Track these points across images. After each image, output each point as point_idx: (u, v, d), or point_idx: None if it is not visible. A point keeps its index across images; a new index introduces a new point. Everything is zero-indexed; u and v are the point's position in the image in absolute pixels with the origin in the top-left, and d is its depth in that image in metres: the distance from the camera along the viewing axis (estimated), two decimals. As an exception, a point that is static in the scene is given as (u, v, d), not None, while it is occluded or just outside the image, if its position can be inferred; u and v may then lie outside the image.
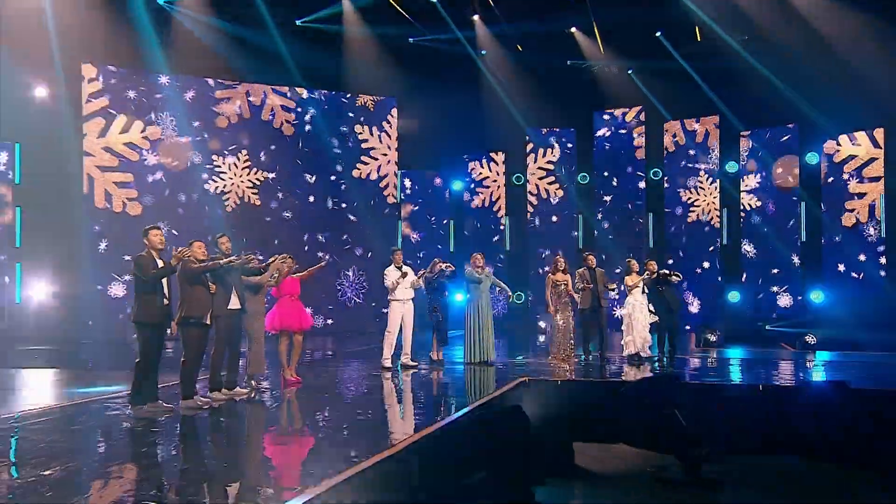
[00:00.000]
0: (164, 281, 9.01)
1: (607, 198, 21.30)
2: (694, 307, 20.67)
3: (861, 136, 19.00)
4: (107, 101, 18.17)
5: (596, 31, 20.51)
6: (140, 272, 8.79)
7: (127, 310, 15.53)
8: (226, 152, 19.69)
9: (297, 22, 19.58)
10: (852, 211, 19.24)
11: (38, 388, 12.55)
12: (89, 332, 17.87)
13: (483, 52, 21.65)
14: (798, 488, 9.12)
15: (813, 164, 19.71)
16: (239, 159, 19.79)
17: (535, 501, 8.90)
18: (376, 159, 21.08)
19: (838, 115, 19.17)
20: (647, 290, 14.00)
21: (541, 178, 21.84)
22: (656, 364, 13.72)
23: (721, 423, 10.75)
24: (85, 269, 17.85)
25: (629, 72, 21.29)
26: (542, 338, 18.49)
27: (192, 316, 9.24)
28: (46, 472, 6.54)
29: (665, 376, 12.23)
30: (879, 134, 18.72)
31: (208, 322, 9.46)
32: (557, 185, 21.79)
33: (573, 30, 20.71)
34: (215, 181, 19.58)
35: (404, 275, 12.88)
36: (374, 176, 21.13)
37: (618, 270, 18.30)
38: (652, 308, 13.92)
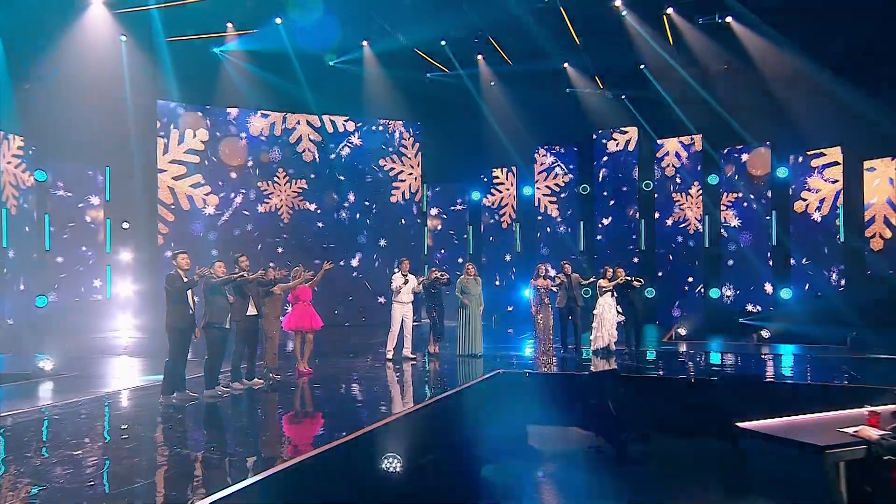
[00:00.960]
0: (190, 294, 9.45)
1: (606, 206, 21.05)
2: (678, 304, 20.47)
3: (821, 153, 18.90)
4: (175, 131, 18.75)
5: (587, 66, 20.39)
6: (169, 286, 9.26)
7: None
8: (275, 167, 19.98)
9: (331, 63, 19.77)
10: (821, 212, 19.11)
11: (107, 374, 12.91)
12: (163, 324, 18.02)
13: (493, 83, 21.46)
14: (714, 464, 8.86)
15: (782, 178, 19.57)
16: (280, 176, 20.06)
17: (484, 477, 9.21)
18: (402, 174, 21.11)
19: (803, 136, 19.00)
20: (615, 294, 14.07)
21: (546, 193, 21.59)
22: (624, 356, 13.78)
23: (647, 409, 10.82)
24: (159, 269, 18.04)
25: (623, 97, 20.97)
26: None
27: (213, 321, 9.65)
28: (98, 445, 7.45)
29: (607, 372, 12.19)
30: (836, 151, 18.68)
31: (227, 326, 9.89)
32: (563, 195, 21.57)
33: (566, 65, 20.62)
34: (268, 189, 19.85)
35: (407, 281, 13.08)
36: (403, 188, 21.14)
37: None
38: (620, 309, 14.08)
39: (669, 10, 17.84)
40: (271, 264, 11.88)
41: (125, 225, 19.34)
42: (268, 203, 20.02)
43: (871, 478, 5.84)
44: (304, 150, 20.42)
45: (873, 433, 5.97)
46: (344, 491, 7.39)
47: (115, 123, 18.61)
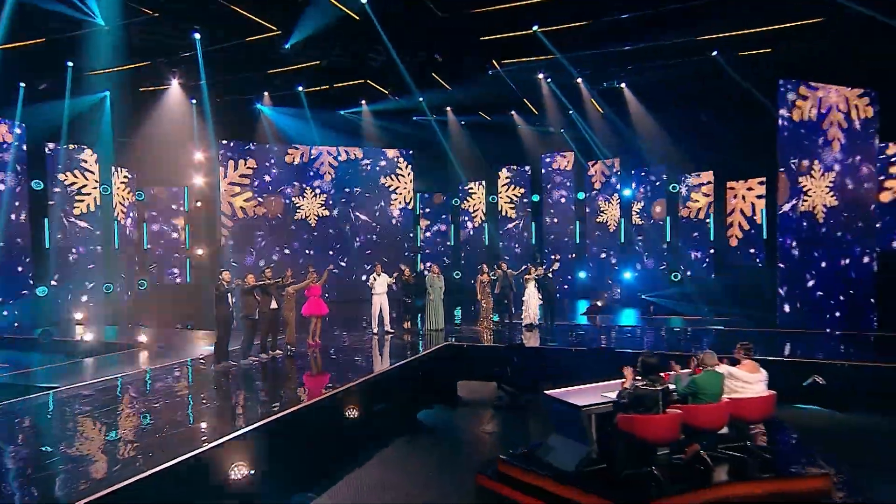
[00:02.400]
0: (229, 296, 10.44)
1: (550, 210, 21.48)
2: (601, 283, 20.88)
3: (702, 174, 19.60)
4: (231, 162, 19.49)
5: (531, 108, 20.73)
6: (216, 291, 10.33)
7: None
8: (304, 186, 20.49)
9: (341, 112, 20.28)
10: (695, 215, 19.79)
11: (181, 346, 13.56)
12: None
13: (462, 122, 21.57)
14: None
15: (674, 192, 20.09)
16: (308, 192, 20.57)
17: (419, 419, 10.32)
18: (399, 188, 21.46)
19: (689, 162, 19.69)
20: (537, 284, 14.46)
21: (506, 201, 22.06)
22: (543, 328, 14.20)
23: (534, 370, 11.47)
24: (221, 262, 18.74)
25: (562, 131, 21.40)
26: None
27: (246, 314, 10.66)
28: (165, 401, 8.31)
29: (515, 344, 12.72)
30: (710, 174, 19.41)
31: (256, 317, 10.74)
32: (518, 202, 22.01)
33: (512, 113, 21.14)
34: (299, 202, 20.43)
35: (376, 279, 13.57)
36: (399, 198, 21.53)
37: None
38: (540, 295, 14.48)
39: (579, 80, 18.45)
40: (288, 271, 12.30)
41: (198, 203, 20.09)
42: (301, 211, 20.51)
43: (609, 421, 6.69)
44: (325, 173, 20.73)
45: (628, 382, 6.67)
46: (336, 425, 8.66)
47: (188, 157, 19.62)
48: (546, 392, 7.43)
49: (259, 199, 19.97)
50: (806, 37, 14.69)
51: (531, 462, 7.03)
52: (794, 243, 14.02)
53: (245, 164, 19.85)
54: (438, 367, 11.72)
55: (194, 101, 18.47)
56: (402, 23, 14.05)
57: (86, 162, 17.72)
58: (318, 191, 20.66)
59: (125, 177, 18.82)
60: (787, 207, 14.00)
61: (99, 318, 17.05)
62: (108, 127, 17.74)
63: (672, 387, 6.76)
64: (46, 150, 16.91)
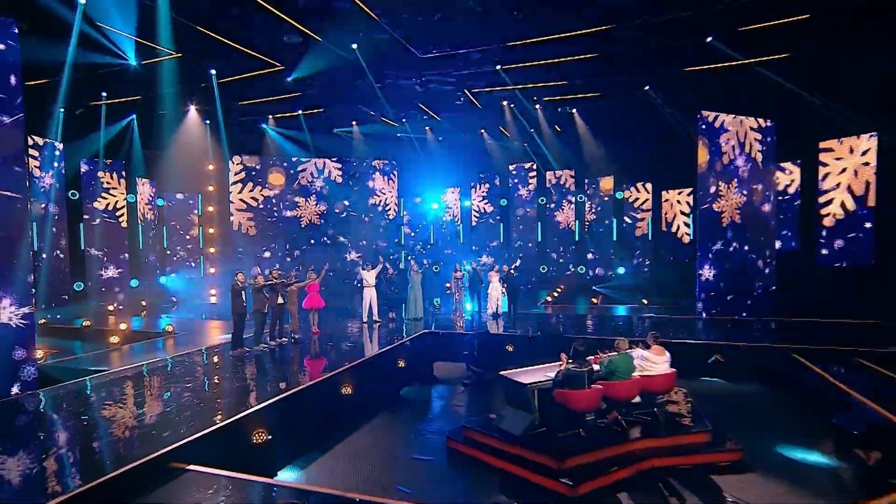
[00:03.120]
0: (243, 293, 10.53)
1: (517, 213, 21.46)
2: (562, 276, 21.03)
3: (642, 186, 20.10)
4: (242, 175, 19.47)
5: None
6: (231, 290, 10.45)
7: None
8: (302, 193, 20.32)
9: (334, 130, 20.32)
10: (640, 222, 20.42)
11: (202, 333, 13.51)
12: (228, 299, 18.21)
13: (441, 138, 21.63)
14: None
15: (619, 199, 20.60)
16: (309, 200, 20.44)
17: (402, 395, 10.47)
18: (384, 192, 21.29)
19: (631, 173, 20.31)
20: (502, 280, 14.48)
21: (480, 202, 22.01)
22: (505, 318, 14.16)
23: (495, 353, 11.77)
24: (230, 260, 19.24)
25: (525, 144, 21.57)
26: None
27: (256, 309, 10.71)
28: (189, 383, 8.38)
29: (481, 332, 12.77)
30: (649, 186, 19.99)
31: (265, 311, 10.81)
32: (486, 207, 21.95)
33: (482, 131, 21.32)
34: (296, 210, 20.23)
35: (364, 271, 13.56)
36: (387, 201, 21.37)
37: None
38: (503, 289, 14.45)
39: (537, 106, 18.59)
40: (293, 272, 12.48)
41: (210, 208, 20.06)
42: (298, 209, 20.31)
43: (548, 395, 7.04)
44: (321, 187, 20.55)
45: (563, 365, 7.01)
46: (335, 399, 8.76)
47: (202, 169, 19.77)
48: (500, 373, 7.71)
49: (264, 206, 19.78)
50: (720, 77, 15.08)
51: (489, 428, 7.34)
52: (711, 245, 14.16)
53: (253, 178, 19.69)
54: (418, 351, 11.71)
55: (208, 122, 18.53)
56: (390, 61, 14.13)
57: (114, 174, 17.77)
58: (313, 198, 20.55)
59: (150, 185, 18.97)
60: (705, 213, 14.17)
61: (128, 309, 17.13)
62: (133, 144, 17.86)
63: (596, 367, 7.17)
64: (82, 166, 16.99)
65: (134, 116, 17.39)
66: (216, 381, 9.03)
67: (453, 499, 6.15)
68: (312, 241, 20.42)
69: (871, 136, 14.88)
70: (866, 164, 15.00)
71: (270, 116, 18.93)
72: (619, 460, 6.60)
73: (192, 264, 20.10)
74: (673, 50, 13.89)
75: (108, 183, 17.51)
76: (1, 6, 8.10)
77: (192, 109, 17.91)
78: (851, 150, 15.27)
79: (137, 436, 6.19)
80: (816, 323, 13.13)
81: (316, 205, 20.64)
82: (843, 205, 15.53)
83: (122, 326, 13.40)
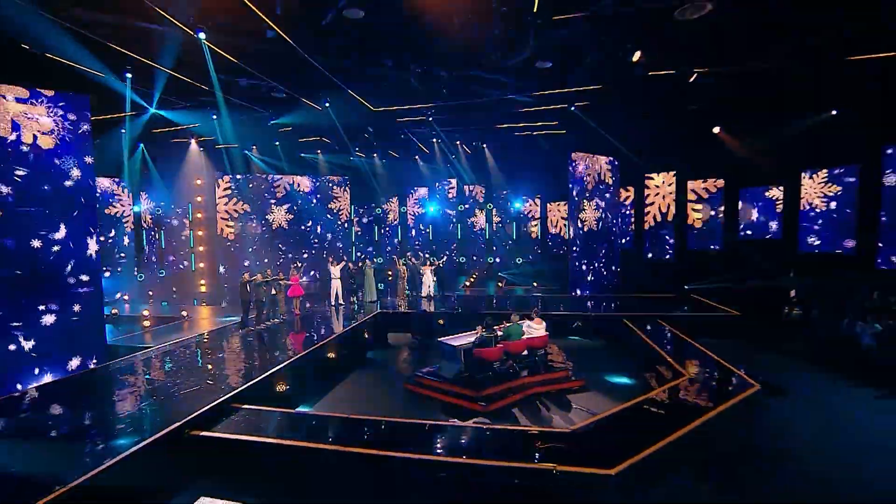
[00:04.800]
0: (248, 286, 11.23)
1: (442, 217, 21.59)
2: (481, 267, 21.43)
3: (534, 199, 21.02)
4: (229, 189, 18.74)
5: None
6: (240, 284, 11.23)
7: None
8: (277, 205, 19.54)
9: (302, 154, 20.31)
10: (533, 227, 21.48)
11: (206, 317, 13.49)
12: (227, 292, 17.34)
13: (383, 160, 21.76)
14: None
15: (518, 208, 21.50)
16: (281, 207, 19.71)
17: (368, 357, 10.90)
18: (340, 199, 20.71)
19: (526, 188, 21.26)
20: (433, 271, 15.07)
21: (412, 213, 21.91)
22: (436, 299, 14.51)
23: (430, 325, 12.30)
24: (217, 254, 18.65)
25: (448, 165, 21.52)
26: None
27: (257, 298, 11.61)
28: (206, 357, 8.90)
29: (419, 311, 13.05)
30: (539, 199, 21.04)
31: (264, 300, 11.77)
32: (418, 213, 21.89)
33: (416, 157, 21.56)
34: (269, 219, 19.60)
35: (330, 265, 13.87)
36: (342, 208, 20.89)
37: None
38: (434, 278, 15.02)
39: (458, 142, 19.49)
40: (280, 273, 12.97)
41: (199, 215, 19.55)
42: (272, 216, 19.57)
43: (470, 352, 7.90)
44: (286, 192, 19.79)
45: (478, 333, 7.79)
46: (321, 362, 9.14)
47: (192, 181, 19.13)
48: (439, 339, 8.69)
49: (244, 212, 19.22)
50: (583, 126, 16.28)
51: (433, 374, 8.30)
52: (579, 242, 15.20)
53: (235, 191, 19.28)
54: (377, 325, 12.24)
55: (201, 149, 18.44)
56: (351, 111, 14.71)
57: (123, 190, 17.45)
58: (283, 207, 19.87)
59: (146, 198, 18.62)
60: (577, 222, 15.21)
61: (137, 298, 16.94)
62: (138, 165, 17.64)
63: (500, 333, 8.29)
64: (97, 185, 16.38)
65: (142, 145, 17.27)
66: (243, 350, 9.36)
67: (413, 416, 6.68)
68: (282, 247, 19.86)
69: (673, 173, 17.68)
70: (671, 190, 17.78)
71: (254, 146, 19.05)
72: (514, 390, 7.78)
73: (186, 263, 19.76)
74: (550, 114, 15.46)
75: (118, 196, 17.31)
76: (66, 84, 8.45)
77: (193, 142, 17.92)
78: (662, 182, 17.97)
79: (205, 389, 7.01)
80: (640, 298, 14.33)
81: (286, 213, 20.18)
82: (654, 217, 18.17)
83: (145, 313, 13.38)
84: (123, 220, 17.62)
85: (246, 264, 17.20)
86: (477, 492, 4.96)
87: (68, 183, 8.26)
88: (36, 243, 7.85)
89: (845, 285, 11.97)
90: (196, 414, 6.07)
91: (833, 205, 14.63)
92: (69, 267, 8.25)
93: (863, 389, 7.78)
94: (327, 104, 14.03)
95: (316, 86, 12.24)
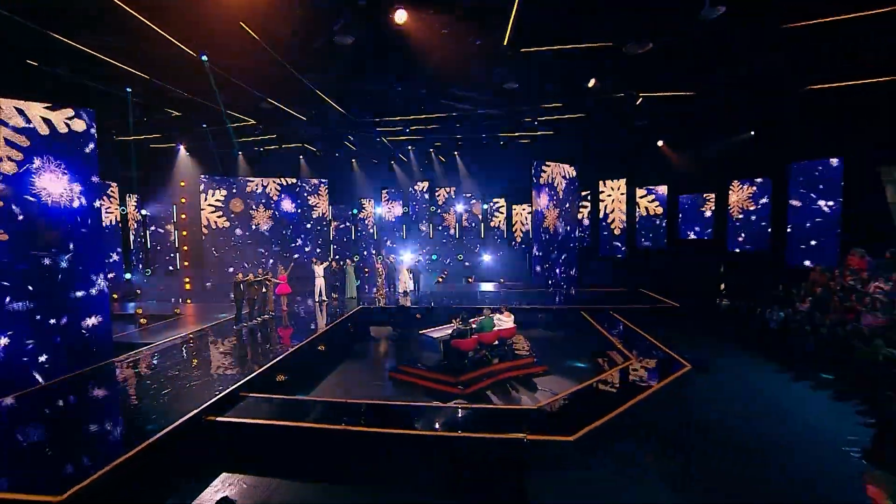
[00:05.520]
0: (242, 286, 11.24)
1: (415, 221, 21.83)
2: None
3: (498, 200, 21.42)
4: (211, 191, 18.39)
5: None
6: (234, 284, 11.21)
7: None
8: (255, 204, 19.37)
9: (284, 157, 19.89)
10: (497, 224, 21.78)
11: (200, 314, 13.14)
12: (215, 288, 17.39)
13: (354, 160, 21.93)
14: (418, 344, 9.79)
15: (486, 207, 21.85)
16: (259, 209, 19.52)
17: (354, 349, 10.69)
18: (316, 201, 20.69)
19: (494, 190, 21.61)
20: (409, 268, 15.54)
21: (386, 212, 21.79)
22: (412, 295, 14.74)
23: (408, 318, 12.53)
24: (202, 257, 18.46)
25: (420, 170, 22.16)
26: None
27: (249, 296, 11.46)
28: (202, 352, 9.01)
29: (398, 306, 13.29)
30: (503, 200, 21.45)
31: (255, 298, 11.65)
32: (395, 214, 21.87)
33: (392, 162, 22.01)
34: (251, 216, 19.36)
35: (314, 265, 14.02)
36: (321, 208, 20.73)
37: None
38: (410, 276, 15.45)
39: (431, 150, 19.89)
40: (269, 273, 12.78)
41: (183, 216, 19.18)
42: (254, 217, 19.28)
43: (448, 343, 8.31)
44: (270, 192, 19.53)
45: (455, 326, 8.11)
46: (312, 354, 9.33)
47: (177, 186, 18.91)
48: (420, 332, 9.11)
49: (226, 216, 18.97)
50: (546, 137, 17.23)
51: (415, 363, 8.59)
52: (541, 241, 15.22)
53: (220, 192, 18.95)
54: (359, 321, 12.39)
55: (188, 154, 18.22)
56: (332, 120, 14.92)
57: (112, 192, 16.99)
58: (263, 206, 19.63)
59: (134, 198, 18.21)
60: (538, 222, 15.18)
61: (126, 297, 16.53)
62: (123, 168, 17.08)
63: (474, 326, 8.73)
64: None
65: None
66: (241, 344, 9.53)
67: (401, 401, 7.10)
68: (264, 251, 19.56)
69: (624, 180, 18.73)
70: (622, 196, 18.84)
71: (240, 153, 18.90)
72: (487, 375, 8.24)
73: (171, 267, 19.46)
74: (517, 126, 16.20)
75: (104, 199, 16.71)
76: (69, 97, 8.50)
77: (182, 148, 17.67)
78: (615, 188, 18.99)
79: (214, 380, 7.39)
80: (594, 291, 15.08)
81: (269, 215, 19.93)
82: (608, 219, 19.05)
83: (139, 311, 13.19)
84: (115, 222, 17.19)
85: (246, 265, 17.00)
86: (462, 460, 5.57)
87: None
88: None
89: (760, 280, 13.14)
90: (211, 402, 6.48)
91: (754, 207, 16.04)
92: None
93: (770, 365, 8.64)
94: (314, 113, 14.23)
95: (302, 99, 12.43)
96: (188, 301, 15.45)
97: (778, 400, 7.26)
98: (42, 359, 7.62)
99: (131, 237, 17.97)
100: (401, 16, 7.88)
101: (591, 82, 10.53)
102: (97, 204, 8.58)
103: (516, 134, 16.93)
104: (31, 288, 7.46)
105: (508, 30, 7.86)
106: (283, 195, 19.68)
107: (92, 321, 8.39)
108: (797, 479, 4.96)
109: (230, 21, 7.49)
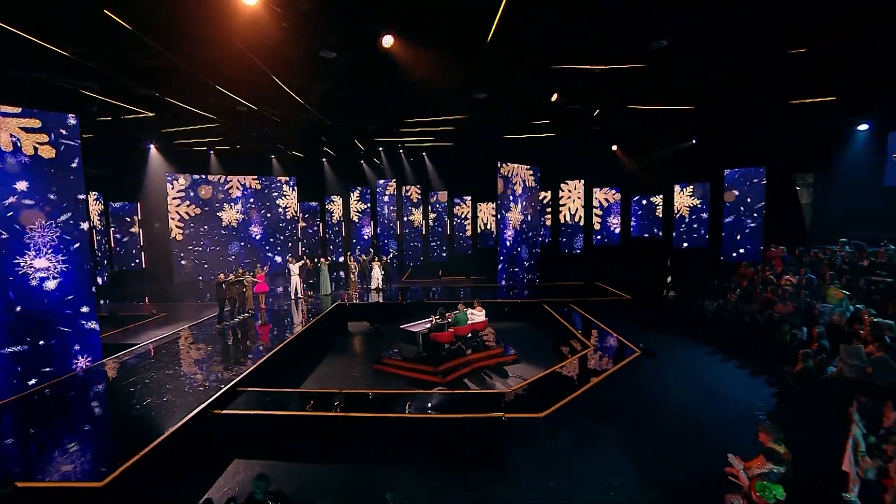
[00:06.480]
0: (223, 286, 11.26)
1: (383, 218, 21.91)
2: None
3: (464, 198, 22.11)
4: (176, 183, 18.24)
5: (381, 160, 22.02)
6: (215, 284, 11.24)
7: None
8: (228, 203, 19.27)
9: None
10: (467, 225, 22.56)
11: (179, 314, 12.78)
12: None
13: (324, 159, 22.02)
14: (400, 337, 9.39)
15: (452, 207, 22.28)
16: (233, 207, 19.41)
17: (335, 343, 10.84)
18: (287, 196, 20.57)
19: (458, 190, 22.31)
20: (381, 265, 15.37)
21: (356, 210, 22.17)
22: (384, 291, 14.83)
23: (382, 314, 12.69)
24: (169, 250, 18.22)
25: (389, 167, 22.44)
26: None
27: (230, 296, 11.47)
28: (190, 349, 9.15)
29: (371, 302, 13.50)
30: (469, 199, 22.13)
31: (235, 297, 11.75)
32: (365, 211, 21.68)
33: (362, 161, 22.30)
34: (224, 215, 19.25)
35: (290, 262, 13.98)
36: (290, 206, 20.65)
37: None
38: (382, 272, 15.39)
39: (401, 150, 20.31)
40: (248, 272, 12.93)
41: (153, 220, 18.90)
42: (224, 213, 19.16)
43: (427, 336, 8.59)
44: (234, 189, 19.40)
45: (434, 320, 8.59)
46: (300, 349, 9.59)
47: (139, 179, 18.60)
48: (400, 326, 9.31)
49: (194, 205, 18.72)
50: (510, 140, 17.66)
51: (396, 356, 9.05)
52: (505, 238, 15.93)
53: (189, 187, 18.67)
54: (336, 317, 12.59)
55: (156, 151, 17.91)
56: (306, 125, 15.12)
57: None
58: (233, 204, 19.60)
59: (95, 197, 17.74)
60: (502, 220, 15.87)
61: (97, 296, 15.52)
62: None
63: (450, 320, 9.28)
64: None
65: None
66: (226, 342, 9.65)
67: (385, 389, 7.52)
68: (232, 252, 19.30)
69: (583, 182, 20.00)
70: (580, 197, 20.12)
71: (211, 152, 18.64)
72: (464, 365, 8.83)
73: (137, 261, 18.97)
74: (484, 130, 16.81)
75: None
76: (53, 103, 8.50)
77: (152, 147, 17.36)
78: (573, 189, 20.24)
79: (211, 377, 7.72)
80: (555, 286, 15.45)
81: (238, 212, 19.79)
82: (566, 218, 20.29)
83: (112, 311, 12.95)
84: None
85: (241, 266, 16.84)
86: (448, 437, 6.28)
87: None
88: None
89: (700, 273, 14.41)
90: (215, 397, 6.94)
91: (696, 206, 17.67)
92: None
93: (705, 349, 9.57)
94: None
95: (279, 103, 12.69)
96: (147, 299, 15.15)
97: (709, 378, 8.33)
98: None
99: (93, 236, 17.44)
100: (388, 41, 8.43)
101: (554, 97, 11.50)
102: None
103: (483, 137, 17.59)
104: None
105: (482, 52, 8.56)
106: (250, 191, 19.66)
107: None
108: (717, 439, 6.13)
109: (214, 28, 7.65)
